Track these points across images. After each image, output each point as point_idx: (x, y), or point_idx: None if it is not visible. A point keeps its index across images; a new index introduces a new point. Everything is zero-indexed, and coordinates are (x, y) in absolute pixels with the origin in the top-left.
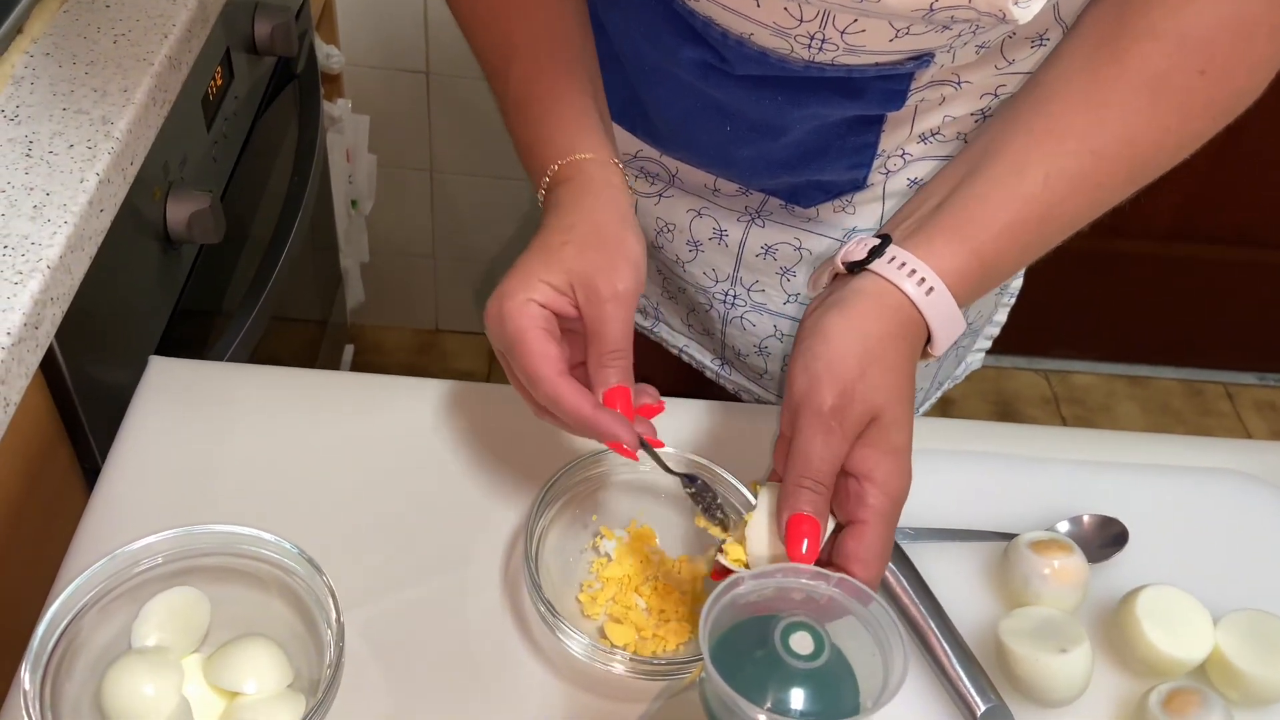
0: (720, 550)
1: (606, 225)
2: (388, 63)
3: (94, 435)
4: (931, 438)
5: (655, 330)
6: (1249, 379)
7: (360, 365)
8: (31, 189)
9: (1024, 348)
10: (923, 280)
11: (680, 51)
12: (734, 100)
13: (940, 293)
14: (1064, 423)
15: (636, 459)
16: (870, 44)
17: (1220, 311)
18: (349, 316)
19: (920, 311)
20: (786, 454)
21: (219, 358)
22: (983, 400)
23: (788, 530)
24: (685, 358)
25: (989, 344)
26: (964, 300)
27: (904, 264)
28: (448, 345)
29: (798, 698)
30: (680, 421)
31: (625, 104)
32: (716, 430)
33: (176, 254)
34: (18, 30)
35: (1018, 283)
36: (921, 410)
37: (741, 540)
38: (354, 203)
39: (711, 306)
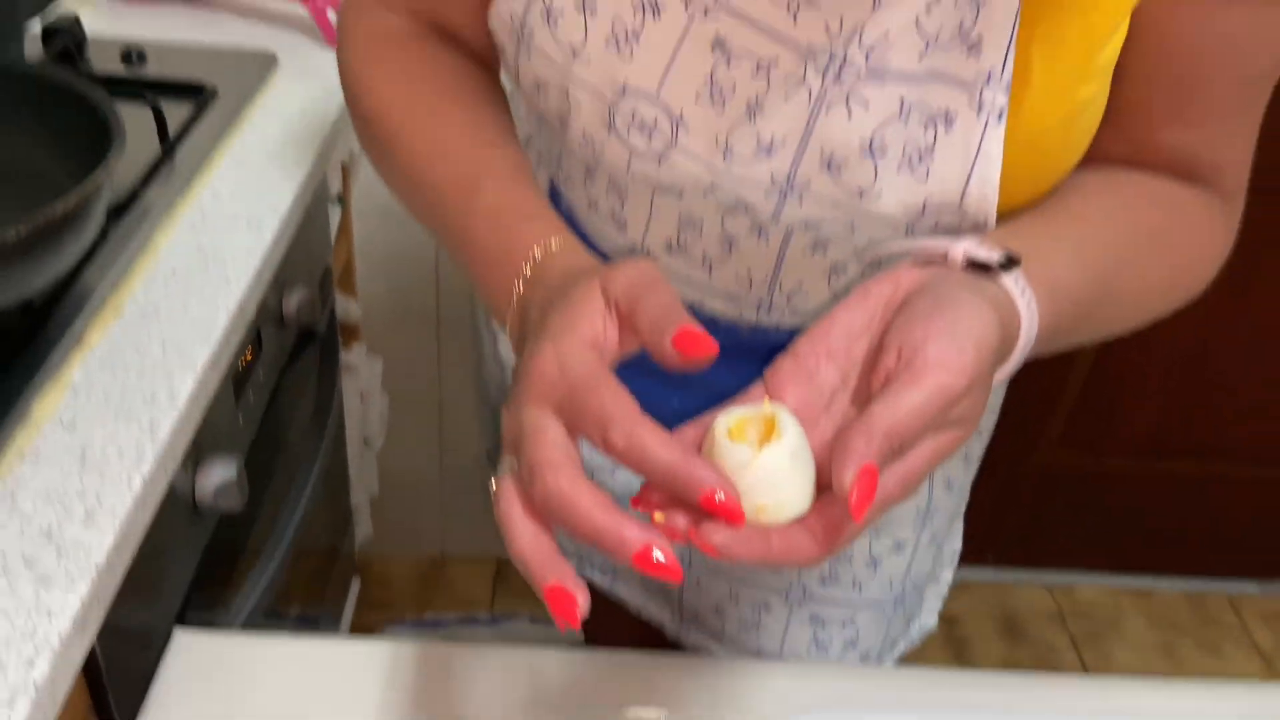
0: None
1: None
2: (401, 305)
3: (118, 707)
4: (890, 689)
5: (613, 589)
6: (1252, 589)
7: (366, 598)
8: (83, 493)
9: (1026, 560)
10: (1033, 316)
11: None
12: (681, 375)
13: (1036, 324)
14: (1071, 640)
15: (741, 521)
16: (812, 306)
17: (1211, 523)
18: (357, 551)
19: (1019, 338)
20: (802, 371)
21: (239, 609)
22: (988, 618)
23: (863, 479)
24: (645, 615)
25: (940, 603)
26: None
27: (1025, 290)
28: (454, 572)
29: None
30: (643, 680)
31: None
32: (679, 687)
33: (200, 522)
34: (76, 341)
35: (958, 542)
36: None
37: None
38: (366, 441)
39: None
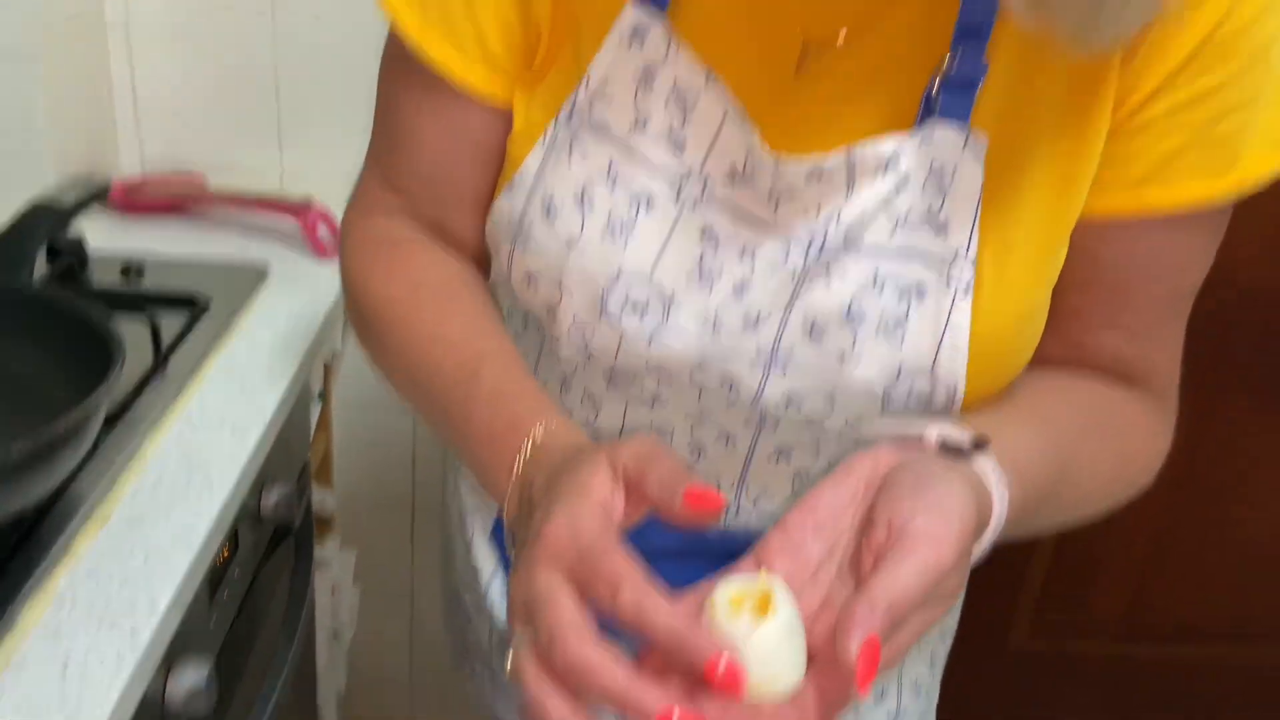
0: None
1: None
2: (377, 498)
3: None
4: None
5: None
6: None
7: None
8: (65, 701)
9: None
10: (1003, 497)
11: None
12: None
13: (1006, 504)
14: None
15: (740, 692)
16: (777, 510)
17: (1186, 708)
18: None
19: (991, 519)
20: (786, 543)
21: None
22: None
23: (866, 653)
24: None
25: None
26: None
27: (995, 471)
28: None
29: None
30: None
31: None
32: None
33: None
34: (64, 551)
35: None
36: None
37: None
38: (335, 634)
39: None
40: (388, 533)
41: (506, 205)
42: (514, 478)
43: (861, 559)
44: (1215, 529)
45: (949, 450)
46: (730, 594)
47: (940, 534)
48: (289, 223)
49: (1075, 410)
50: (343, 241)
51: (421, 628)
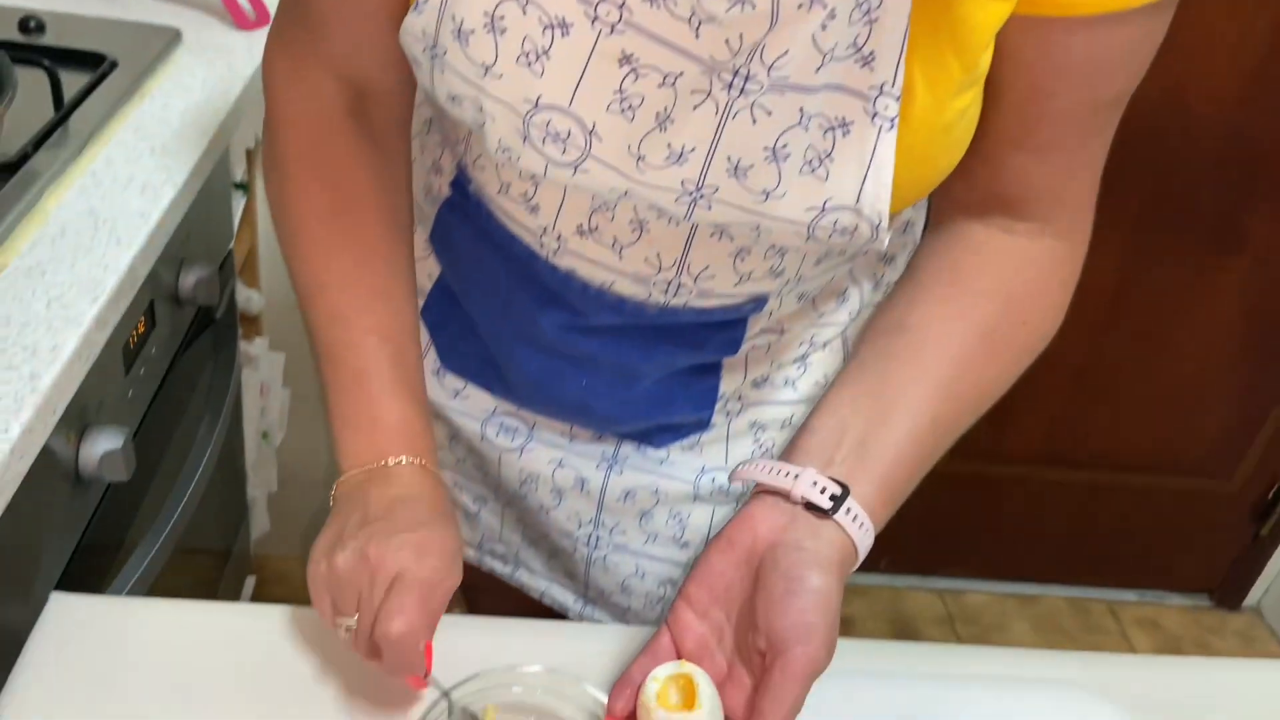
0: None
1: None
2: None
3: None
4: None
5: (515, 575)
6: (1130, 596)
7: (261, 596)
8: None
9: (917, 567)
10: (868, 531)
11: (539, 318)
12: (590, 355)
13: (871, 535)
14: (959, 641)
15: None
16: (718, 287)
17: (1097, 531)
18: (253, 547)
19: (857, 556)
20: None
21: (120, 590)
22: (881, 620)
23: None
24: (547, 600)
25: None
26: None
27: (857, 517)
28: None
29: None
30: (545, 644)
31: (482, 366)
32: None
33: (85, 491)
34: None
35: None
36: None
37: None
38: (265, 434)
39: (575, 550)
40: None
41: (417, 22)
42: (359, 469)
43: (750, 653)
44: (1139, 366)
45: (812, 508)
46: (658, 687)
47: (809, 643)
48: None
49: (961, 329)
50: (267, 85)
51: None
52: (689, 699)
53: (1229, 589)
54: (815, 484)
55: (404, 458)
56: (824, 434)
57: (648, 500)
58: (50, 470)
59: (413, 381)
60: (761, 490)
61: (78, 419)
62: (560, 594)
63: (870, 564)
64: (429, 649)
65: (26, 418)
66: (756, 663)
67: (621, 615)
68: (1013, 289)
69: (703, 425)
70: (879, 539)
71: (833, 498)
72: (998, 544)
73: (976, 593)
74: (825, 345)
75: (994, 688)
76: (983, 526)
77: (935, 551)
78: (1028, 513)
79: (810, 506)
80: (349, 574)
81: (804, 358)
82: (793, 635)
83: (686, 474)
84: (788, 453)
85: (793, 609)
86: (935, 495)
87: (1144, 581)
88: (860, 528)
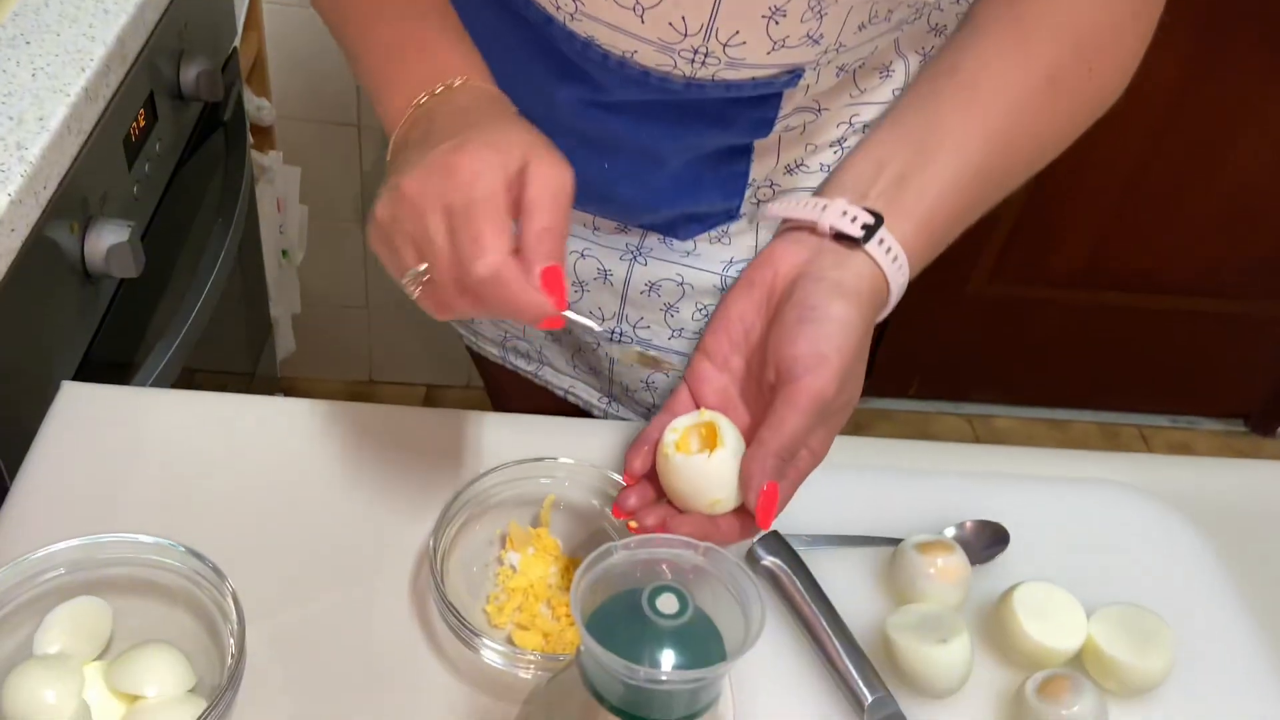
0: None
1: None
2: (320, 116)
3: (4, 461)
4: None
5: (540, 374)
6: (1162, 421)
7: None
8: None
9: (946, 393)
10: (902, 267)
11: (556, 93)
12: (612, 135)
13: (906, 274)
14: None
15: (562, 324)
16: (750, 56)
17: (1132, 356)
18: (279, 369)
19: (890, 295)
20: (706, 387)
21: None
22: None
23: (763, 499)
24: (571, 398)
25: None
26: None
27: (890, 249)
28: (382, 396)
29: (669, 655)
30: (571, 439)
31: None
32: (605, 447)
33: (95, 288)
34: None
35: None
36: None
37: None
38: (285, 253)
39: (599, 345)
40: (335, 155)
41: None
42: (414, 104)
43: (764, 391)
44: (1192, 179)
45: (842, 239)
46: (678, 436)
47: (818, 373)
48: None
49: (1022, 75)
50: None
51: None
52: (711, 446)
53: (1266, 414)
54: (845, 213)
55: (468, 79)
56: (860, 168)
57: (673, 293)
58: (55, 261)
59: (464, 32)
60: (789, 227)
61: (80, 211)
62: (585, 391)
63: (899, 388)
64: (560, 273)
65: (15, 188)
66: (768, 400)
67: (646, 413)
68: (1082, 32)
69: (731, 215)
70: (908, 362)
71: (864, 226)
72: (1029, 369)
73: (1005, 417)
74: (865, 127)
75: (1040, 485)
76: (1015, 351)
77: (964, 376)
78: (1062, 337)
79: (840, 237)
80: (441, 188)
81: (842, 140)
82: (801, 365)
83: (714, 265)
84: (819, 189)
85: (803, 337)
86: (968, 318)
87: (1177, 407)
88: (894, 261)
